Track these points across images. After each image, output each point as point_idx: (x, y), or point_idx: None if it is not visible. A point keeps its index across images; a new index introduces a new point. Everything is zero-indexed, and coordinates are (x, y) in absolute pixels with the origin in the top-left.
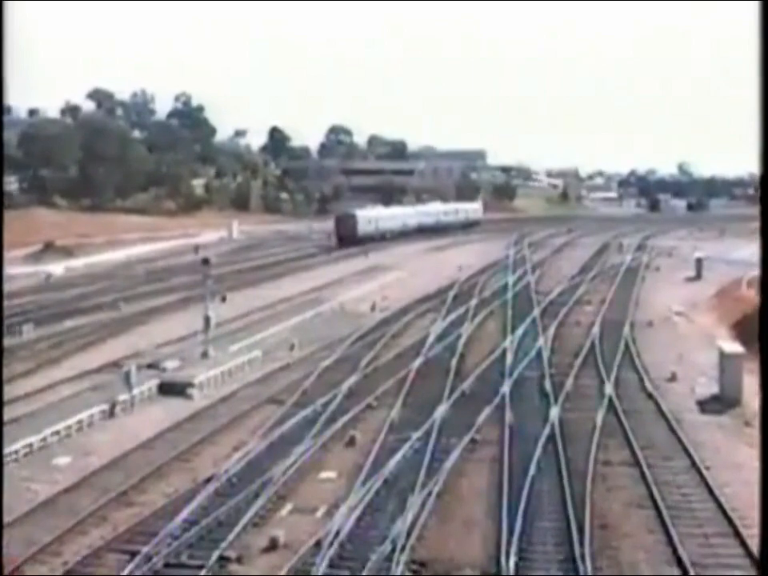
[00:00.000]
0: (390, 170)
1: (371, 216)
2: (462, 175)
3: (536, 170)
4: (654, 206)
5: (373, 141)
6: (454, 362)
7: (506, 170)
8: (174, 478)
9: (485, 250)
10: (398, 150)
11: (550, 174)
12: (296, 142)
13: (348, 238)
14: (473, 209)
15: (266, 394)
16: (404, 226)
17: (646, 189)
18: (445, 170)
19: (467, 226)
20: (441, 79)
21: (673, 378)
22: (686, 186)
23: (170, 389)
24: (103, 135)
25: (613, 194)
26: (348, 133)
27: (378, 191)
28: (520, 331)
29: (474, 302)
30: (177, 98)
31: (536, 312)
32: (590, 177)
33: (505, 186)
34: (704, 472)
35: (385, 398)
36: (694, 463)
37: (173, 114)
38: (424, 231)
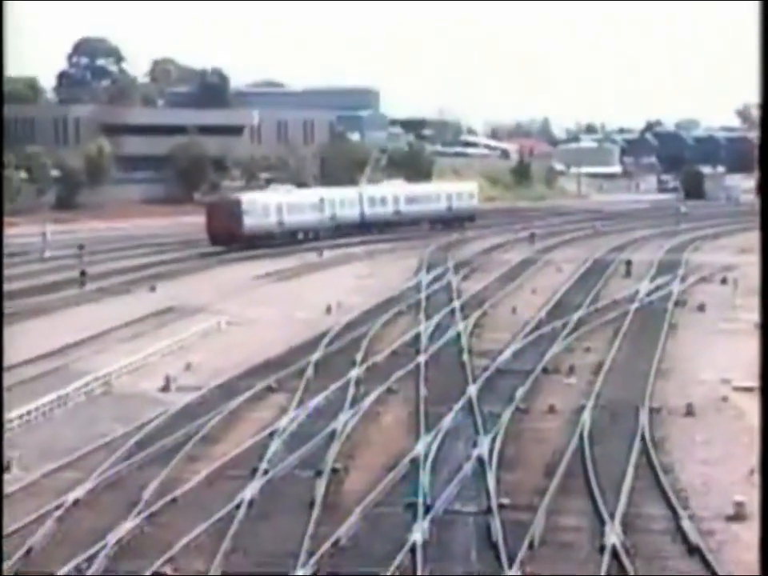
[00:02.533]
0: (196, 126)
1: (270, 203)
2: (334, 136)
3: (471, 127)
4: (692, 187)
5: (161, 70)
6: (319, 490)
7: (413, 125)
8: None
9: (375, 274)
10: (210, 89)
11: (495, 134)
12: (12, 70)
13: (225, 238)
14: (462, 193)
15: None
16: (333, 220)
17: (676, 156)
18: (300, 124)
19: (452, 222)
20: None
21: (738, 514)
22: (754, 150)
23: None
24: None
25: (614, 168)
26: (114, 55)
27: (173, 166)
28: (443, 427)
29: (355, 372)
30: None
31: (472, 390)
32: (574, 137)
33: (413, 156)
34: None
35: (186, 558)
36: None
37: None
38: (373, 228)
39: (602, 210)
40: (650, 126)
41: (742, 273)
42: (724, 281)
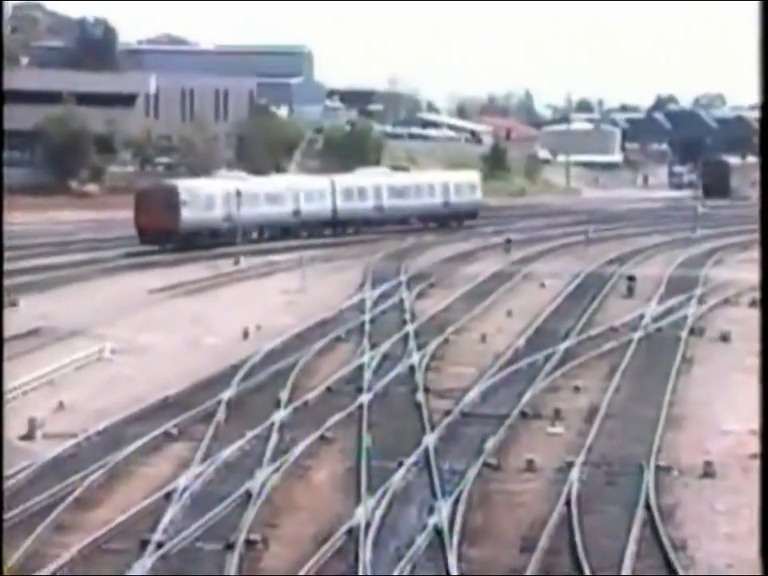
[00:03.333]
0: (72, 94)
1: (215, 192)
2: (254, 109)
3: (431, 102)
4: (715, 182)
5: (26, 17)
6: (230, 568)
7: (356, 98)
8: None
9: (307, 289)
10: (91, 46)
11: (463, 112)
12: None
13: (158, 234)
14: (462, 184)
15: None
16: (296, 216)
17: (694, 142)
18: (210, 94)
19: (449, 219)
20: None
21: None
22: None
23: None
24: None
25: (614, 157)
26: None
27: (42, 145)
28: (391, 488)
29: (279, 415)
30: None
31: (429, 440)
32: (562, 117)
33: (356, 138)
34: None
35: None
36: None
37: None
38: (348, 227)
39: (598, 209)
40: (660, 103)
41: None
42: (754, 303)
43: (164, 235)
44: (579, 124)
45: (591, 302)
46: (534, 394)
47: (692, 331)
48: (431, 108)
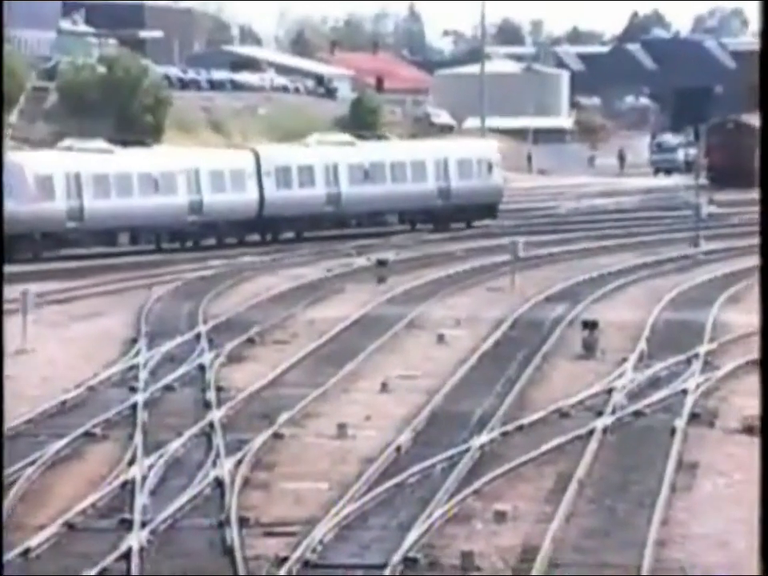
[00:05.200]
0: None
1: (55, 171)
2: None
3: (248, 27)
4: (730, 160)
5: None
6: None
7: (114, 17)
8: None
9: (32, 351)
10: None
11: (303, 46)
12: None
13: None
14: (470, 160)
15: None
16: (196, 211)
17: (695, 93)
18: None
19: (448, 218)
20: None
21: None
22: None
23: None
24: None
25: (560, 120)
26: None
27: None
28: None
29: None
30: None
31: None
32: (471, 53)
33: (115, 86)
34: None
35: None
36: None
37: None
38: (282, 228)
39: (532, 209)
40: (637, 28)
41: None
42: None
43: None
44: (500, 64)
45: (524, 367)
46: (429, 527)
47: (695, 417)
48: (247, 37)
